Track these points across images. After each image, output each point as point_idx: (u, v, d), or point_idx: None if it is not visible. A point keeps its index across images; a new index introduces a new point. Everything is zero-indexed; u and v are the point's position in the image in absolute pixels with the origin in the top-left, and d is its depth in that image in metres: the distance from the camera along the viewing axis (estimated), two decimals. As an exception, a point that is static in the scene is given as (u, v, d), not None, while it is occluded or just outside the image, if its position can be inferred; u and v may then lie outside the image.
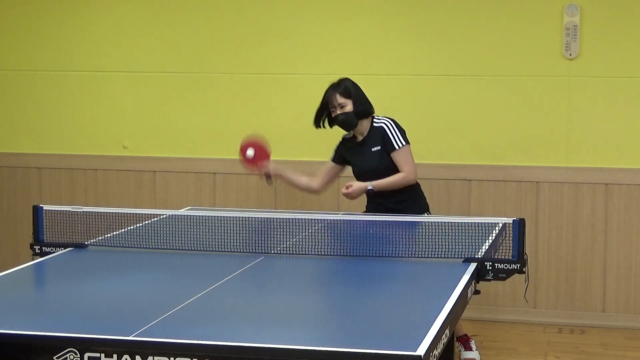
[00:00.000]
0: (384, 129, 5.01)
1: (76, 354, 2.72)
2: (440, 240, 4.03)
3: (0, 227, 6.50)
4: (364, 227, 4.41)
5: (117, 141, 6.29)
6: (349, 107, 4.99)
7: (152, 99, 6.24)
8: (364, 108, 5.02)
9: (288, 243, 4.17)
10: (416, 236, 4.52)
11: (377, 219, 4.54)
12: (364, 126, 5.05)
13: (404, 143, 5.00)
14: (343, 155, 5.16)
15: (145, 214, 4.70)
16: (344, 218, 4.62)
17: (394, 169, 5.00)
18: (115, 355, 2.70)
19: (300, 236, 4.26)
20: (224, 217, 4.32)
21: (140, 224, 4.53)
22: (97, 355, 2.71)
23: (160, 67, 6.20)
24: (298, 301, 3.32)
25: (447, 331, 2.98)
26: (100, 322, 2.95)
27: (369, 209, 5.09)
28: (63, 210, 4.32)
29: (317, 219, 4.53)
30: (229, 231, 4.17)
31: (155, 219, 4.67)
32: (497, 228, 4.28)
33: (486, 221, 4.49)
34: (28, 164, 6.42)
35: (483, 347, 5.24)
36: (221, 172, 6.15)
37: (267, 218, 4.53)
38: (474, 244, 4.03)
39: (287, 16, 6.02)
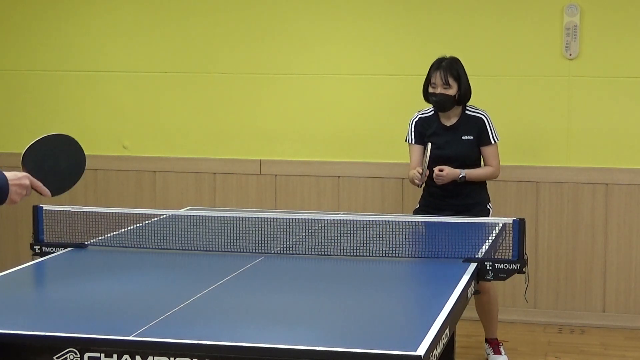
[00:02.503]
0: (483, 121, 5.00)
1: (76, 354, 2.72)
2: (440, 240, 4.03)
3: (0, 227, 6.50)
4: (363, 227, 4.41)
5: (117, 141, 6.29)
6: (452, 90, 4.93)
7: (152, 99, 6.24)
8: (465, 95, 4.98)
9: (288, 243, 4.17)
10: (416, 236, 4.52)
11: (377, 219, 4.54)
12: (454, 111, 5.00)
13: (498, 139, 5.04)
14: (423, 134, 5.03)
15: (145, 214, 4.70)
16: (344, 218, 4.62)
17: (478, 161, 5.04)
18: (115, 355, 2.70)
19: (300, 236, 4.26)
20: (224, 217, 4.32)
21: (140, 224, 4.53)
22: (97, 355, 2.71)
23: (160, 67, 6.20)
24: (298, 301, 3.32)
25: (447, 331, 2.98)
26: (100, 322, 2.95)
27: (428, 204, 5.05)
28: (63, 210, 4.32)
29: (317, 219, 4.53)
30: (229, 231, 4.17)
31: (155, 219, 4.67)
32: (497, 228, 4.28)
33: (486, 221, 4.50)
34: (28, 164, 6.41)
35: (483, 347, 5.24)
36: (221, 172, 6.15)
37: (267, 218, 4.53)
38: (474, 244, 4.02)
39: (287, 16, 6.02)
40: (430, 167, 4.88)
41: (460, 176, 4.92)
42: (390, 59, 5.92)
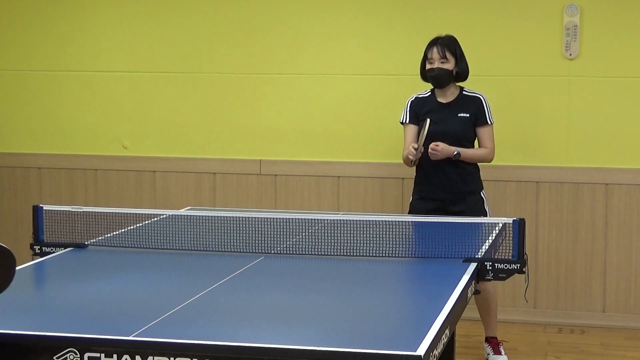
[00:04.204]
0: (481, 100, 5.03)
1: (76, 354, 2.72)
2: (440, 240, 4.03)
3: (0, 227, 6.50)
4: (363, 227, 4.41)
5: (117, 141, 6.29)
6: (449, 65, 4.96)
7: (152, 99, 6.24)
8: (463, 72, 5.00)
9: (288, 243, 4.17)
10: (416, 236, 4.52)
11: (377, 219, 4.54)
12: (450, 90, 5.02)
13: (493, 121, 5.06)
14: (418, 113, 5.05)
15: (145, 214, 4.70)
16: (344, 218, 4.62)
17: (472, 142, 5.04)
18: (115, 355, 2.70)
19: (300, 236, 4.26)
20: (224, 217, 4.32)
21: (140, 224, 4.53)
22: (97, 355, 2.71)
23: (160, 67, 6.20)
24: (298, 301, 3.32)
25: (447, 331, 2.98)
26: (100, 322, 2.95)
27: (422, 194, 5.05)
28: (63, 210, 4.32)
29: (317, 219, 4.53)
30: (229, 231, 4.17)
31: (155, 219, 4.67)
32: (497, 228, 4.28)
33: (486, 221, 4.50)
34: (28, 164, 6.42)
35: (483, 347, 5.23)
36: (221, 172, 6.16)
37: (267, 218, 4.52)
38: (474, 244, 4.02)
39: (287, 16, 6.02)
40: (426, 145, 4.89)
41: (455, 153, 4.92)
42: (390, 59, 5.92)
